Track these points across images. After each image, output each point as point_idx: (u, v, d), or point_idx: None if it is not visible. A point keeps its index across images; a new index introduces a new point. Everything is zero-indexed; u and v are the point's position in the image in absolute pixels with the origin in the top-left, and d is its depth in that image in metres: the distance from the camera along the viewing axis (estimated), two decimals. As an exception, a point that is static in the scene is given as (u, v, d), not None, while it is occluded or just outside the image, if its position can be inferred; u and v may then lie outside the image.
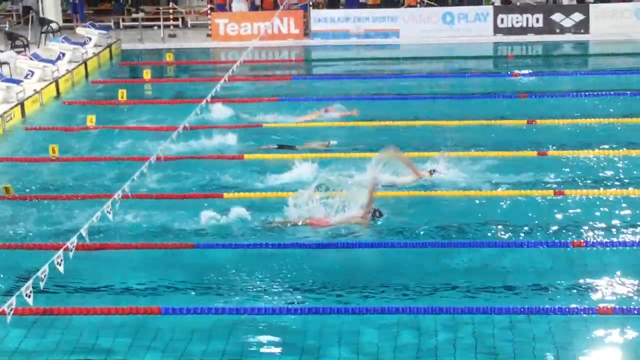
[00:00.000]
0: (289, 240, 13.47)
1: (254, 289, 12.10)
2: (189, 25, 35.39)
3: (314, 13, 32.46)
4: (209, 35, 32.96)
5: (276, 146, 18.16)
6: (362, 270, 12.70)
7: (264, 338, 10.81)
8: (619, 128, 19.18)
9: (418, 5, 32.94)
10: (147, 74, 25.47)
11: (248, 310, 11.36)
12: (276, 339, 10.81)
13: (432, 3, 32.83)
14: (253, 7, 34.00)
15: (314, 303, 11.62)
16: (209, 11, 33.34)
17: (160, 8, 35.32)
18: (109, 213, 11.52)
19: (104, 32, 30.49)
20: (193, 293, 12.06)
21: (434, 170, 15.60)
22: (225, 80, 19.01)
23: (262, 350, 10.61)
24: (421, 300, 11.68)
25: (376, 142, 17.77)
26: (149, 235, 13.80)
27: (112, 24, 34.48)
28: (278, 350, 10.61)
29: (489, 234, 13.63)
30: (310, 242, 13.40)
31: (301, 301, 11.71)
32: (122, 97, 22.55)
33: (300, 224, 14.04)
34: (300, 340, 10.74)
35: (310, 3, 33.07)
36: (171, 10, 35.27)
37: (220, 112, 20.59)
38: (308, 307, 11.51)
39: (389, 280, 12.29)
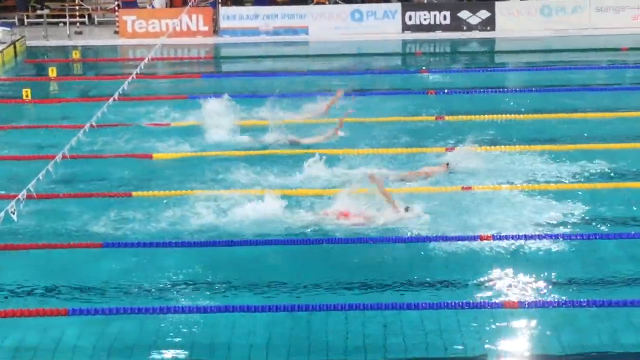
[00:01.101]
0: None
1: (162, 288, 12.00)
2: (95, 22, 34.86)
3: (223, 10, 32.29)
4: (116, 32, 32.54)
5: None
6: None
7: (175, 337, 10.74)
8: (526, 124, 19.46)
9: (327, 2, 33.02)
10: (52, 71, 25.03)
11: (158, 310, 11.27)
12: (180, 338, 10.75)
13: (339, 1, 32.93)
14: (173, 5, 33.58)
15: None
16: (116, 8, 32.92)
17: (66, 4, 34.69)
18: (13, 213, 11.29)
19: (8, 29, 29.87)
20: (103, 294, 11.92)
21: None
22: (133, 78, 18.78)
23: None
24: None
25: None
26: (54, 236, 13.57)
27: (16, 20, 33.80)
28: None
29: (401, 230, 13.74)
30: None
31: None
32: (27, 96, 22.13)
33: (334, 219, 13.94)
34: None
35: (219, 0, 32.89)
36: (77, 7, 34.69)
37: (130, 110, 20.34)
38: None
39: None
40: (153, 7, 32.83)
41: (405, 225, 13.72)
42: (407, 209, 14.19)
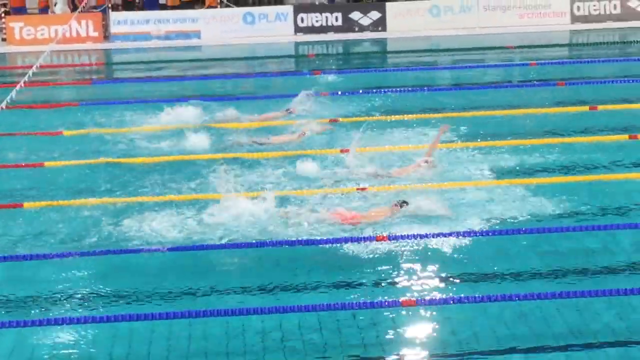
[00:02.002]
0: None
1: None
2: (-19, 29, 34.11)
3: (113, 15, 31.93)
4: (3, 39, 31.88)
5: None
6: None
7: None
8: (417, 124, 19.65)
9: (218, 6, 32.91)
10: (-64, 80, 24.43)
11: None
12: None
13: (231, 4, 32.85)
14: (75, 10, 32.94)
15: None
16: (2, 14, 32.24)
17: (-50, 11, 33.89)
18: None
19: None
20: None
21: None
22: (21, 86, 18.44)
23: None
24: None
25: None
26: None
27: None
28: None
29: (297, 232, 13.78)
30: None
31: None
32: None
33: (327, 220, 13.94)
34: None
35: (109, 5, 32.49)
36: (-38, 14, 33.90)
37: (19, 119, 19.96)
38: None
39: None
40: (54, 12, 32.25)
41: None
42: (401, 204, 14.23)
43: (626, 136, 17.82)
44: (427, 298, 11.65)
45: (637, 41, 28.58)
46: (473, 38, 29.84)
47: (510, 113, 19.94)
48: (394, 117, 19.86)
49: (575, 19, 31.75)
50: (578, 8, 31.79)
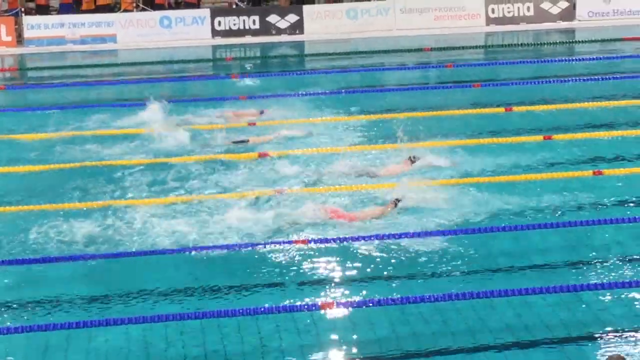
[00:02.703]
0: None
1: None
2: None
3: (27, 19, 31.43)
4: None
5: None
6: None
7: None
8: (340, 126, 19.69)
9: (134, 9, 32.61)
10: None
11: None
12: None
13: (147, 8, 32.59)
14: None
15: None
16: None
17: None
18: None
19: None
20: None
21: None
22: None
23: None
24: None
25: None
26: None
27: None
28: None
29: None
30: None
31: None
32: None
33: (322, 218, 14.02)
34: None
35: (22, 9, 31.97)
36: None
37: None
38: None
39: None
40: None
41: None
42: (397, 202, 14.41)
43: (541, 137, 18.10)
44: (346, 300, 11.70)
45: (550, 43, 29.08)
46: (390, 40, 30.04)
47: (427, 115, 20.09)
48: (315, 120, 19.90)
49: (490, 21, 32.20)
50: (492, 10, 32.24)
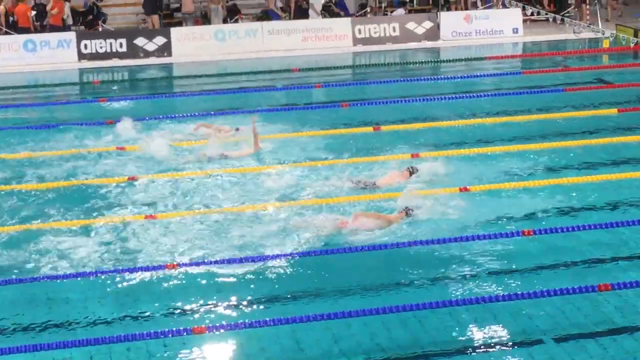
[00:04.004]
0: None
1: None
2: None
3: None
4: None
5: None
6: None
7: None
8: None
9: None
10: None
11: None
12: None
13: (11, 32, 31.89)
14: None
15: None
16: None
17: None
18: None
19: None
20: None
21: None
22: None
23: None
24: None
25: None
26: None
27: None
28: None
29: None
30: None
31: None
32: None
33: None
34: None
35: None
36: None
37: None
38: None
39: None
40: None
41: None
42: (407, 212, 14.67)
43: (409, 155, 18.37)
44: (219, 324, 11.63)
45: (416, 62, 29.59)
46: (259, 62, 30.11)
47: (295, 135, 20.20)
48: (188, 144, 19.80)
49: (357, 41, 32.60)
50: (359, 31, 32.67)
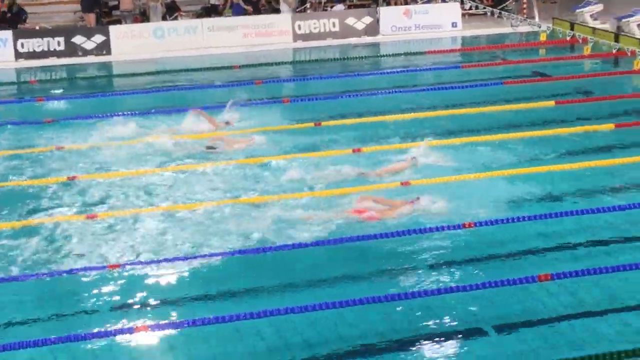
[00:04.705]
0: None
1: None
2: None
3: None
4: None
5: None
6: None
7: None
8: (151, 147, 19.50)
9: None
10: None
11: None
12: None
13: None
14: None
15: None
16: None
17: None
18: None
19: None
20: None
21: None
22: None
23: None
24: None
25: None
26: None
27: None
28: None
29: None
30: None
31: None
32: None
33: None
34: None
35: None
36: None
37: None
38: None
39: None
40: None
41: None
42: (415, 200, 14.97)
43: (350, 150, 18.44)
44: (161, 323, 11.60)
45: (357, 57, 29.67)
46: (199, 59, 29.95)
47: (236, 133, 20.17)
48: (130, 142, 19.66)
49: (297, 37, 32.57)
50: (299, 27, 32.63)
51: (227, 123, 20.54)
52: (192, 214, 15.24)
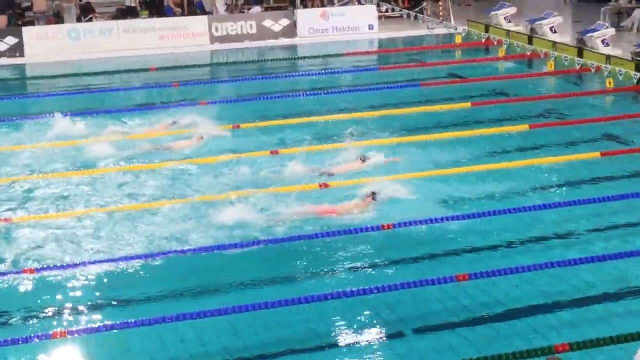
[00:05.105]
0: None
1: None
2: None
3: None
4: None
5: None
6: None
7: None
8: (69, 150, 19.25)
9: None
10: None
11: None
12: None
13: None
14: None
15: None
16: None
17: None
18: None
19: None
20: None
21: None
22: None
23: None
24: None
25: None
26: None
27: None
28: None
29: None
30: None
31: None
32: None
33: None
34: None
35: None
36: None
37: None
38: None
39: None
40: None
41: None
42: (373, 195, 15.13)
43: (267, 152, 18.45)
44: (80, 328, 11.44)
45: (274, 59, 29.67)
46: (114, 61, 29.62)
47: (156, 136, 20.04)
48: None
49: (214, 39, 32.44)
50: (216, 29, 32.51)
51: (174, 123, 20.75)
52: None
